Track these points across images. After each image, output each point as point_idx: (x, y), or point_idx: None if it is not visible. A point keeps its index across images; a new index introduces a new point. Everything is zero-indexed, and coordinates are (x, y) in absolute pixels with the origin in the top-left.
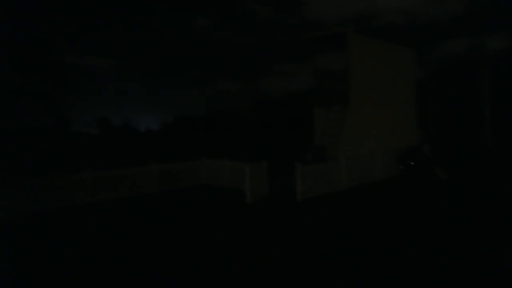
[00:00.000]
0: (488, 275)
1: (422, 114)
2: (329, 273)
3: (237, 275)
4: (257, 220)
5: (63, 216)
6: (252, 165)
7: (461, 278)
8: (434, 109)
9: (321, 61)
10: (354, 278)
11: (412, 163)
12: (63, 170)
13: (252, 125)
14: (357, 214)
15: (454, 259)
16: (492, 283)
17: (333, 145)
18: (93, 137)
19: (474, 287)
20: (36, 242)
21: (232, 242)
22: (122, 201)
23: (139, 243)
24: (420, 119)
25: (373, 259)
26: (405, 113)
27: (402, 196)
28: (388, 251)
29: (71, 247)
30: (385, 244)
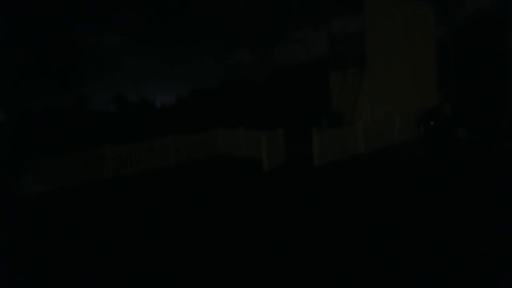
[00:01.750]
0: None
1: (443, 75)
2: (343, 240)
3: (254, 243)
4: (274, 188)
5: (89, 191)
6: (268, 133)
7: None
8: (456, 69)
9: (337, 24)
10: (368, 247)
11: (432, 123)
12: (85, 148)
13: (267, 94)
14: (375, 179)
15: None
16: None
17: (350, 109)
18: (111, 115)
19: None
20: (69, 215)
21: (250, 210)
22: (143, 174)
23: (162, 214)
24: (441, 79)
25: (388, 225)
26: (425, 74)
27: (420, 159)
28: (403, 217)
29: (102, 220)
30: (400, 209)
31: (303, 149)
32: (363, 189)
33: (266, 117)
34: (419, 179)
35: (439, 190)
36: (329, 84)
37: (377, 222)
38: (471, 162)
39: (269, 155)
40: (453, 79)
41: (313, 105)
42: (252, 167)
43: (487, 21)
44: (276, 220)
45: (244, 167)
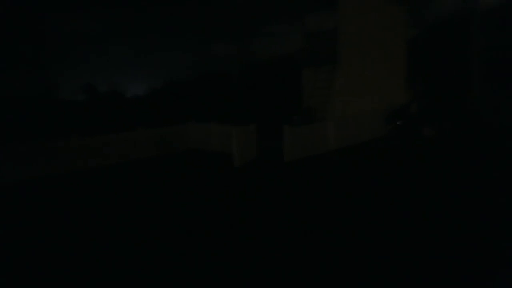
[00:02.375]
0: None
1: (412, 73)
2: (311, 235)
3: (224, 239)
4: (245, 183)
5: (51, 183)
6: (240, 128)
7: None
8: (424, 67)
9: (311, 20)
10: (335, 242)
11: (399, 122)
12: (51, 138)
13: (241, 88)
14: (343, 175)
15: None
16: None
17: (322, 106)
18: (80, 104)
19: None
20: (23, 209)
21: (219, 205)
22: (109, 168)
23: (127, 210)
24: (410, 77)
25: (354, 218)
26: (395, 72)
27: (387, 156)
28: (368, 211)
29: (59, 214)
30: (366, 204)
31: (275, 144)
32: (328, 185)
33: (239, 112)
34: (379, 179)
35: (388, 187)
36: (303, 80)
37: (332, 215)
38: (428, 160)
39: (240, 150)
40: (421, 78)
41: (286, 100)
42: (223, 162)
43: (454, 21)
44: (241, 215)
45: (215, 161)
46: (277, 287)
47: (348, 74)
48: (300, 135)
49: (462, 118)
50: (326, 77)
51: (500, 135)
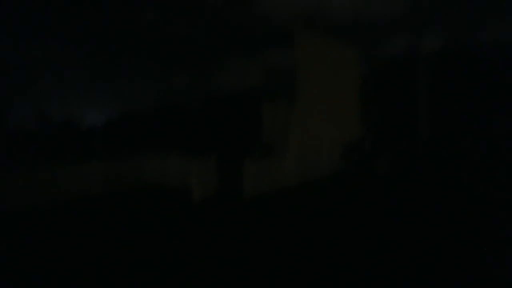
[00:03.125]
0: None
1: (366, 109)
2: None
3: (177, 275)
4: (203, 219)
5: None
6: (199, 162)
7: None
8: (376, 104)
9: (271, 56)
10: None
11: (354, 158)
12: None
13: (202, 121)
14: (300, 212)
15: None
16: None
17: (282, 141)
18: (31, 133)
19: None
20: None
21: (177, 242)
22: (59, 204)
23: (81, 249)
24: (364, 113)
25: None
26: (350, 108)
27: (343, 192)
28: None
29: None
30: (321, 243)
31: (235, 179)
32: (289, 224)
33: (200, 145)
34: (335, 216)
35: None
36: (263, 115)
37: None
38: (379, 201)
39: (200, 185)
40: (374, 115)
41: (247, 134)
42: (182, 196)
43: (402, 60)
44: (198, 252)
45: (174, 196)
46: None
47: (306, 109)
48: (259, 170)
49: (412, 153)
50: (285, 112)
51: (449, 170)
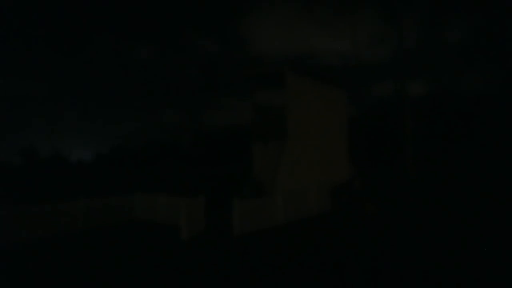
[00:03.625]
0: None
1: (354, 150)
2: None
3: None
4: (192, 258)
5: None
6: (188, 200)
7: None
8: (365, 145)
9: (261, 97)
10: None
11: (344, 198)
12: None
13: (191, 158)
14: (290, 250)
15: None
16: None
17: (271, 180)
18: (16, 168)
19: None
20: None
21: (164, 281)
22: (42, 242)
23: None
24: (352, 154)
25: None
26: (338, 149)
27: (332, 231)
28: None
29: None
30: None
31: (224, 217)
32: (278, 262)
33: (188, 182)
34: (325, 254)
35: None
36: (252, 154)
37: None
38: (362, 237)
39: (189, 223)
40: (362, 155)
41: (236, 172)
42: (170, 235)
43: (389, 104)
44: None
45: (162, 234)
46: None
47: (295, 150)
48: (249, 209)
49: (398, 192)
50: (275, 152)
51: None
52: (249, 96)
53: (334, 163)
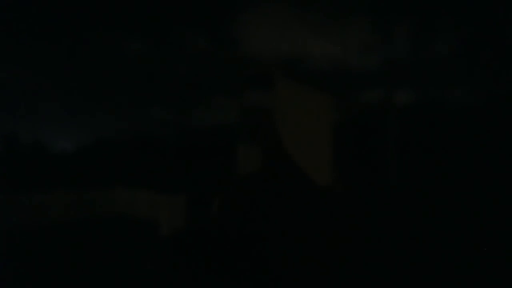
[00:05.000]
0: None
1: (340, 156)
2: None
3: None
4: (172, 254)
5: None
6: (170, 196)
7: None
8: (350, 152)
9: (249, 98)
10: None
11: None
12: None
13: (177, 155)
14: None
15: None
16: None
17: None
18: None
19: None
20: None
21: (142, 277)
22: (22, 231)
23: (42, 280)
24: (338, 160)
25: None
26: (325, 153)
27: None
28: None
29: None
30: None
31: (207, 214)
32: (254, 258)
33: (172, 179)
34: None
35: None
36: (237, 156)
37: None
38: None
39: (170, 220)
40: (350, 161)
41: (220, 170)
42: (150, 230)
43: (374, 112)
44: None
45: (142, 230)
46: None
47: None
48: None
49: (380, 198)
50: (260, 152)
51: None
52: (237, 96)
53: (320, 168)
